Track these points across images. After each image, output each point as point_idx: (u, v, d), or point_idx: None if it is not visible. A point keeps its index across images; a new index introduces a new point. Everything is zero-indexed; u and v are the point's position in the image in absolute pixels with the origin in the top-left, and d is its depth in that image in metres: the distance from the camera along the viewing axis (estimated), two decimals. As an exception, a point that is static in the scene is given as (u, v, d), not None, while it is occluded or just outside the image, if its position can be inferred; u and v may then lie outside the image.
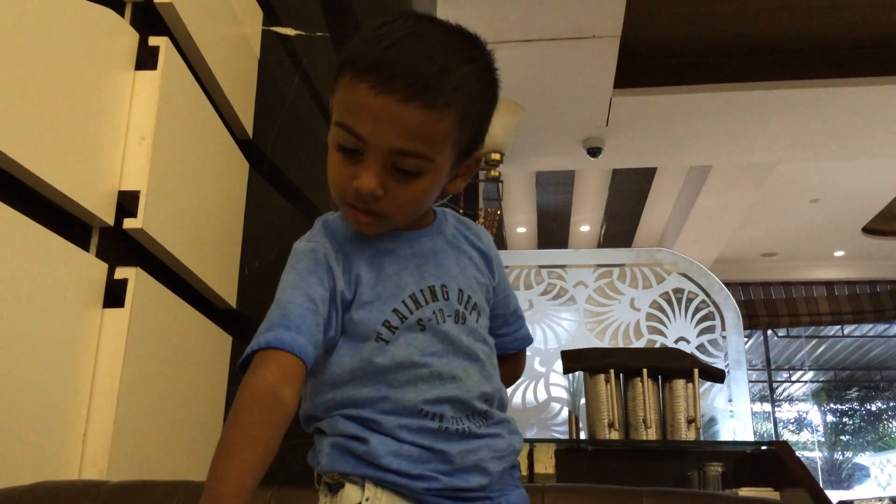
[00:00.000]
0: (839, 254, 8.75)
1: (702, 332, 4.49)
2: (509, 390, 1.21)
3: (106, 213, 1.48)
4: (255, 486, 0.75)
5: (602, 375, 2.78)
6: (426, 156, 0.83)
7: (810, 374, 12.23)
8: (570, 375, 3.77)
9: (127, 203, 1.51)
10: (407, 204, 0.87)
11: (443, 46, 0.84)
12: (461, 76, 0.83)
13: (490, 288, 0.99)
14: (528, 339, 1.07)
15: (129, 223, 1.51)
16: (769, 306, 9.01)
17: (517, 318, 1.05)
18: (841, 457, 12.51)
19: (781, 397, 12.52)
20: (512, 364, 1.06)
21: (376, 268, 0.90)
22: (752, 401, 8.14)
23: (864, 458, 12.40)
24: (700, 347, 4.49)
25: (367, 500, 0.84)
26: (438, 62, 0.82)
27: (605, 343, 4.53)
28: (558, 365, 3.50)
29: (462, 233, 1.00)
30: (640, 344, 4.50)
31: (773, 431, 11.18)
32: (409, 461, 0.85)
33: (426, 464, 0.86)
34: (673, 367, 2.78)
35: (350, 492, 0.85)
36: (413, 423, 0.86)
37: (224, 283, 1.94)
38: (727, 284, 4.65)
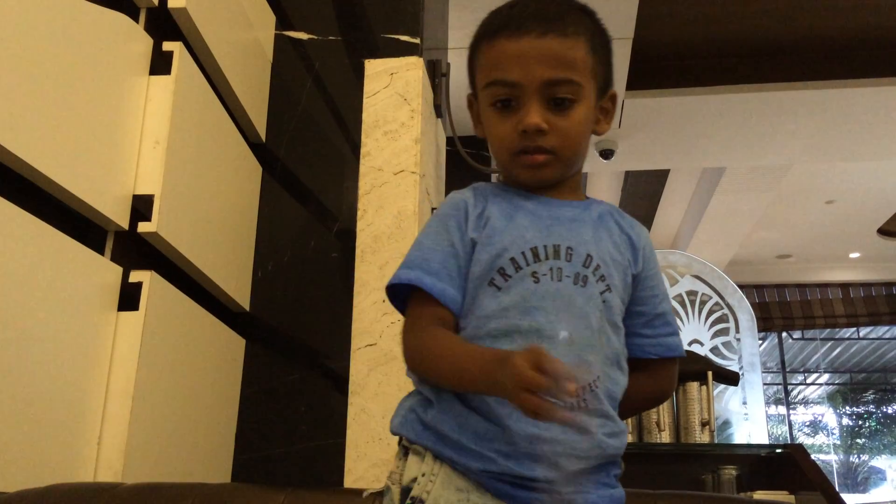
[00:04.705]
0: (854, 255, 8.68)
1: (716, 335, 4.48)
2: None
3: (121, 216, 1.49)
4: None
5: (615, 378, 2.77)
6: (575, 80, 0.92)
7: (826, 377, 12.12)
8: (583, 378, 3.75)
9: (141, 207, 1.53)
10: (571, 136, 0.93)
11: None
12: (578, 16, 0.96)
13: (629, 272, 0.96)
14: (675, 350, 0.99)
15: (143, 227, 1.52)
16: (784, 308, 8.94)
17: (664, 323, 0.99)
18: (857, 460, 12.38)
19: (796, 400, 12.42)
20: (653, 376, 0.99)
21: (507, 217, 0.94)
22: (767, 403, 8.08)
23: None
24: (714, 350, 4.47)
25: (422, 474, 0.84)
26: (557, 5, 0.95)
27: (619, 345, 4.50)
28: (571, 367, 3.49)
29: (614, 217, 1.01)
30: (654, 346, 4.48)
31: (788, 434, 11.10)
32: (473, 436, 0.84)
33: (490, 442, 0.84)
34: (686, 369, 2.76)
35: (411, 463, 0.86)
36: None
37: (238, 287, 1.95)
38: (741, 286, 4.63)
